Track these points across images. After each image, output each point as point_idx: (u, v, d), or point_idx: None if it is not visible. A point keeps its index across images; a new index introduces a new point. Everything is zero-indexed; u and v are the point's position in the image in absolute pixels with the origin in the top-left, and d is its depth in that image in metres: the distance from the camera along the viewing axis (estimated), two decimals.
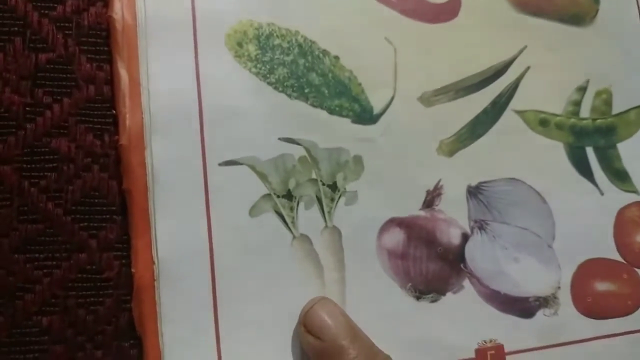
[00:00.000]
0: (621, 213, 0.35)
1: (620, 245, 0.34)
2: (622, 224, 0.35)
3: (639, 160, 0.36)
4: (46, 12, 0.29)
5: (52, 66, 0.29)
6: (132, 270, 0.28)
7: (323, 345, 0.26)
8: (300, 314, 0.28)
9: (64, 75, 0.29)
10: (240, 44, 0.30)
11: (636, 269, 0.35)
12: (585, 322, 0.33)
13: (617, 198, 0.35)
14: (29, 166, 0.28)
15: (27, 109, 0.28)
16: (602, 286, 0.34)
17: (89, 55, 0.29)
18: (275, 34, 0.31)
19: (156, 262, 0.27)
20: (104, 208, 0.28)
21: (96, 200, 0.28)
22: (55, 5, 0.29)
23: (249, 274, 0.28)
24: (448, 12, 0.34)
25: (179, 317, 0.27)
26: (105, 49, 0.30)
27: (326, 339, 0.26)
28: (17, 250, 0.27)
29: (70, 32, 0.29)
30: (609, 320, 0.33)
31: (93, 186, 0.28)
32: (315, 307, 0.27)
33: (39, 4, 0.29)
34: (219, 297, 0.28)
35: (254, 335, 0.28)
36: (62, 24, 0.29)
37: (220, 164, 0.29)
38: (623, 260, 0.34)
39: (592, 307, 0.33)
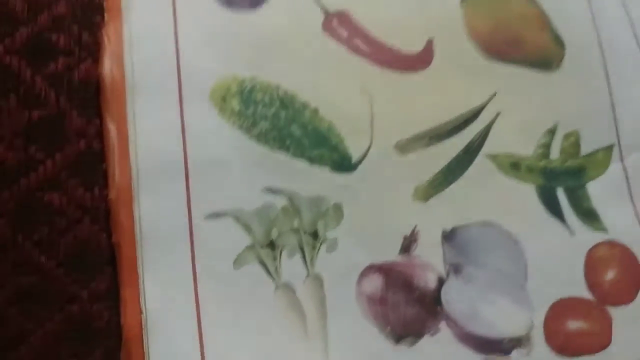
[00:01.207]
0: (591, 252, 0.36)
1: (591, 284, 0.36)
2: (593, 262, 0.36)
3: (607, 199, 0.37)
4: (39, 69, 0.31)
5: (44, 122, 0.30)
6: (121, 320, 0.29)
7: None
8: None
9: (56, 131, 0.30)
10: (224, 99, 0.32)
11: (607, 307, 0.36)
12: None
13: (587, 237, 0.36)
14: (22, 220, 0.29)
15: (20, 164, 0.29)
16: (574, 324, 0.35)
17: (79, 111, 0.31)
18: (257, 88, 0.32)
19: (144, 312, 0.28)
20: (95, 259, 0.30)
21: (87, 253, 0.30)
22: (48, 62, 0.31)
23: (234, 323, 0.30)
24: (421, 62, 0.36)
25: None
26: (96, 103, 0.31)
27: None
28: (10, 302, 0.28)
29: (61, 88, 0.31)
30: (582, 357, 0.34)
31: (84, 238, 0.30)
32: None
33: (32, 62, 0.31)
34: (206, 347, 0.29)
35: None
36: (54, 81, 0.31)
37: (205, 217, 0.30)
38: (594, 299, 0.35)
39: (565, 345, 0.34)
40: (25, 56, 0.31)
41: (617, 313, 0.36)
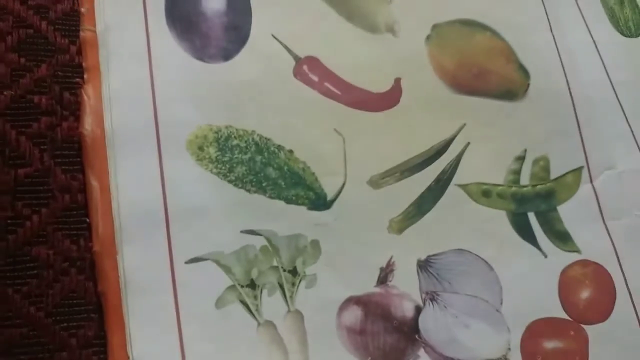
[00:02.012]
0: (565, 273, 0.37)
1: (566, 304, 0.37)
2: (566, 283, 0.37)
3: (579, 220, 0.38)
4: (23, 129, 0.32)
5: (30, 180, 0.32)
6: None
7: None
8: None
9: (41, 187, 0.32)
10: (201, 148, 0.33)
11: (582, 326, 0.36)
12: None
13: (560, 259, 0.38)
14: (11, 274, 0.30)
15: (8, 221, 0.31)
16: (550, 344, 0.36)
17: (63, 167, 0.32)
18: (233, 136, 0.34)
19: (131, 357, 0.29)
20: (82, 308, 0.31)
21: (74, 302, 0.31)
22: (31, 122, 0.32)
23: None
24: (390, 100, 0.38)
25: None
26: (78, 159, 0.32)
27: None
28: (2, 353, 0.29)
29: (45, 147, 0.32)
30: None
31: (71, 288, 0.31)
32: None
33: (16, 123, 0.32)
34: None
35: None
36: (37, 140, 0.32)
37: (186, 262, 0.31)
38: (569, 318, 0.37)
39: None
40: (10, 117, 0.32)
41: (593, 331, 0.37)
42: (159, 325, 0.30)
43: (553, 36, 0.43)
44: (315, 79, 0.36)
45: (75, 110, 0.33)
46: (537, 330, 0.36)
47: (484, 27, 0.41)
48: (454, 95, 0.38)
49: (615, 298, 0.38)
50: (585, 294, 0.37)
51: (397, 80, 0.38)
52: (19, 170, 0.32)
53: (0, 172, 0.31)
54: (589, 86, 0.42)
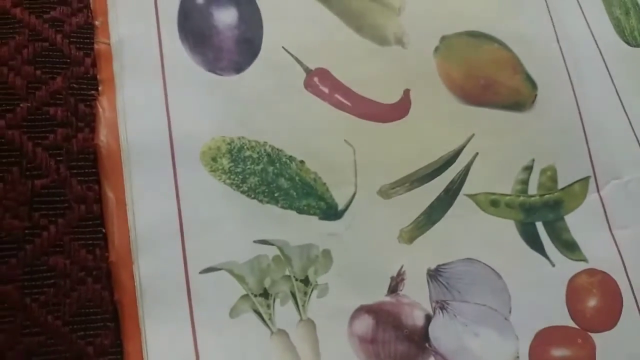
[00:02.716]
0: (572, 281, 0.38)
1: (573, 312, 0.37)
2: (574, 291, 0.37)
3: (586, 230, 0.39)
4: (39, 141, 0.33)
5: (46, 190, 0.32)
6: None
7: None
8: None
9: (58, 198, 0.32)
10: (214, 159, 0.34)
11: (590, 334, 0.37)
12: None
13: (567, 268, 0.38)
14: (29, 284, 0.31)
15: (26, 231, 0.31)
16: (558, 352, 0.36)
17: (79, 178, 0.33)
18: (245, 147, 0.34)
19: None
20: (98, 317, 0.31)
21: (91, 310, 0.31)
22: (48, 134, 0.33)
23: None
24: (399, 111, 0.38)
25: None
26: (94, 170, 0.33)
27: None
28: None
29: (61, 158, 0.33)
30: None
31: (87, 297, 0.31)
32: None
33: (33, 135, 0.33)
34: None
35: None
36: (53, 152, 0.33)
37: (200, 272, 0.32)
38: (577, 326, 0.37)
39: None
40: (26, 129, 0.33)
41: (600, 339, 0.37)
42: (174, 333, 0.31)
43: (560, 47, 0.43)
44: (326, 90, 0.37)
45: (90, 122, 0.34)
46: (545, 339, 0.36)
47: (491, 39, 0.41)
48: (463, 106, 0.39)
49: (622, 306, 0.38)
50: (592, 302, 0.37)
51: (406, 92, 0.38)
52: (35, 181, 0.32)
53: (17, 183, 0.32)
54: (595, 96, 0.42)
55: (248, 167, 0.34)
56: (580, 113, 0.41)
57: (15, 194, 0.32)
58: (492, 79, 0.40)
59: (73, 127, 0.34)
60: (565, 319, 0.37)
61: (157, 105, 0.34)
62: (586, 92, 0.42)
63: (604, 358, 0.37)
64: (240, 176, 0.34)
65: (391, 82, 0.38)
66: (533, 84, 0.41)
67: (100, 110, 0.33)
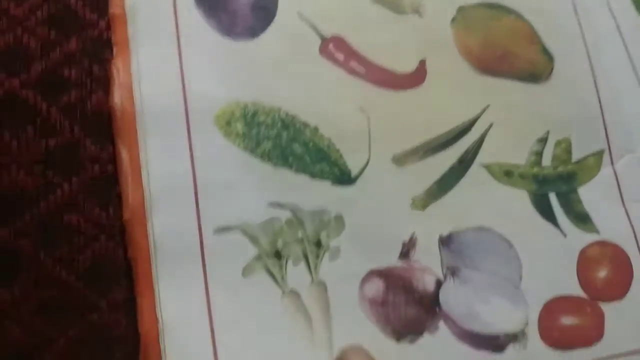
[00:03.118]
0: (583, 253, 0.38)
1: (583, 282, 0.37)
2: (585, 262, 0.37)
3: (599, 203, 0.39)
4: (53, 102, 0.33)
5: (60, 150, 0.32)
6: (139, 328, 0.31)
7: None
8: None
9: (72, 157, 0.33)
10: (228, 123, 0.34)
11: (599, 303, 0.37)
12: (552, 353, 0.35)
13: (579, 239, 0.38)
14: (43, 240, 0.31)
15: (40, 189, 0.32)
16: (567, 320, 0.36)
17: (93, 138, 0.33)
18: (260, 112, 0.34)
19: (160, 320, 0.30)
20: (112, 273, 0.32)
21: (105, 267, 0.32)
22: (62, 95, 0.33)
23: (245, 328, 0.31)
24: (415, 80, 0.38)
25: None
26: (108, 132, 0.33)
27: None
28: (35, 313, 0.30)
29: (75, 118, 0.33)
30: (575, 351, 0.36)
31: (101, 254, 0.32)
32: (347, 353, 0.31)
33: (47, 95, 0.33)
34: (218, 351, 0.31)
35: None
36: (68, 112, 0.33)
37: (214, 232, 0.32)
38: (586, 296, 0.37)
39: (559, 340, 0.36)
40: (40, 90, 0.33)
41: (609, 308, 0.37)
42: (188, 290, 0.31)
43: (577, 20, 0.42)
44: (341, 57, 0.37)
45: (104, 84, 0.34)
46: (554, 307, 0.36)
47: (508, 10, 0.41)
48: (479, 76, 0.39)
49: (632, 278, 0.38)
50: (602, 273, 0.37)
51: (422, 61, 0.38)
52: (49, 140, 0.32)
53: (31, 142, 0.32)
54: (611, 70, 0.42)
55: (262, 132, 0.34)
56: (596, 86, 0.41)
57: (29, 153, 0.32)
58: (508, 50, 0.40)
59: (87, 88, 0.34)
60: (575, 289, 0.37)
61: (172, 69, 0.34)
62: (603, 65, 0.42)
63: (612, 328, 0.37)
64: (254, 140, 0.34)
65: (407, 50, 0.38)
66: (550, 56, 0.41)
67: (115, 72, 0.33)
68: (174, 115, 0.33)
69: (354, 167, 0.35)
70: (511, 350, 0.35)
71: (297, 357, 0.32)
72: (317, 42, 0.37)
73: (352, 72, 0.37)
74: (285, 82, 0.35)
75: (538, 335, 0.35)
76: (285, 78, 0.36)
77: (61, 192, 0.32)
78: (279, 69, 0.36)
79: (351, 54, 0.37)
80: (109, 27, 0.35)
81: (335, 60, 0.37)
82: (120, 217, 0.32)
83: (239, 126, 0.34)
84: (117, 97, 0.33)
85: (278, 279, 0.32)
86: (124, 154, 0.32)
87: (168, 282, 0.31)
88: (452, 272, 0.35)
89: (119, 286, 0.31)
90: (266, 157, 0.34)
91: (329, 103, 0.36)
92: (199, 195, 0.32)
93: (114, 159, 0.33)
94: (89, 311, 0.31)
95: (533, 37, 0.41)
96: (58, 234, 0.31)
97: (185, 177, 0.32)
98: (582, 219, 0.38)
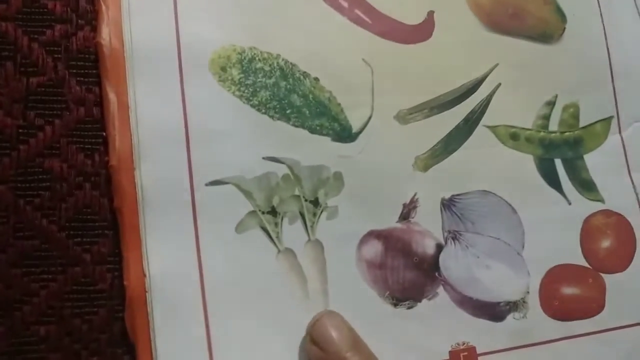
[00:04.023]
0: (587, 221, 0.37)
1: (586, 252, 0.36)
2: (588, 231, 0.37)
3: (604, 170, 0.38)
4: (35, 36, 0.31)
5: (42, 89, 0.30)
6: (125, 282, 0.29)
7: (326, 357, 0.28)
8: (308, 325, 0.30)
9: (55, 98, 0.30)
10: (223, 69, 0.32)
11: (601, 274, 0.36)
12: (552, 324, 0.34)
13: (583, 207, 0.37)
14: (23, 185, 0.29)
15: (20, 130, 0.30)
16: (568, 290, 0.35)
17: (78, 78, 0.31)
18: (257, 58, 0.32)
19: (147, 275, 0.29)
20: (96, 224, 0.30)
21: (88, 217, 0.30)
22: (44, 30, 0.31)
23: (237, 286, 0.30)
24: (422, 33, 0.36)
25: (171, 328, 0.29)
26: (94, 72, 0.31)
27: (329, 351, 0.28)
28: (14, 265, 0.29)
29: (59, 55, 0.31)
30: (575, 322, 0.35)
31: (85, 204, 0.30)
32: (322, 319, 0.29)
33: (29, 29, 0.30)
34: (209, 310, 0.29)
35: (245, 345, 0.30)
36: (51, 48, 0.31)
37: (207, 184, 0.30)
38: (589, 266, 0.36)
39: (559, 310, 0.35)
40: (22, 23, 0.31)
41: (611, 280, 0.37)
42: (177, 245, 0.30)
43: None
44: (345, 4, 0.35)
45: (91, 20, 0.32)
46: (556, 276, 0.36)
47: None
48: (488, 33, 0.37)
49: (635, 249, 0.38)
50: (606, 243, 0.37)
51: (430, 14, 0.36)
52: (31, 78, 0.30)
53: (11, 79, 0.30)
54: (625, 36, 0.40)
55: (259, 79, 0.32)
56: (608, 50, 0.39)
57: (8, 90, 0.30)
58: (521, 7, 0.38)
59: (73, 24, 0.31)
60: (577, 258, 0.37)
61: (166, 6, 0.32)
62: (616, 30, 0.40)
63: (614, 299, 0.36)
64: (250, 89, 0.32)
65: (415, 2, 0.36)
66: (562, 16, 0.39)
67: (104, 7, 0.31)
68: (165, 56, 0.31)
69: (355, 123, 0.34)
70: (511, 319, 0.34)
71: (291, 318, 0.31)
72: None
73: (356, 20, 0.35)
74: (285, 27, 0.33)
75: (539, 305, 0.35)
76: (286, 23, 0.34)
77: (43, 135, 0.30)
78: (279, 13, 0.34)
79: (356, 1, 0.35)
80: None
81: (339, 7, 0.35)
82: (106, 164, 0.30)
83: (235, 73, 0.32)
84: (105, 34, 0.31)
85: (273, 237, 0.31)
86: (111, 96, 0.30)
87: (156, 235, 0.29)
88: (454, 236, 0.34)
89: (103, 238, 0.30)
90: (263, 107, 0.32)
91: (331, 53, 0.34)
92: (190, 144, 0.30)
93: (100, 102, 0.31)
94: (72, 264, 0.29)
95: None
96: (39, 181, 0.29)
97: (176, 123, 0.30)
98: (587, 187, 0.37)
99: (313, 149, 0.32)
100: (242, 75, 0.32)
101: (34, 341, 0.29)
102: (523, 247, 0.35)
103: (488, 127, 0.36)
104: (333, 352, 0.28)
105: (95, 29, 0.31)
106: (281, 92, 0.32)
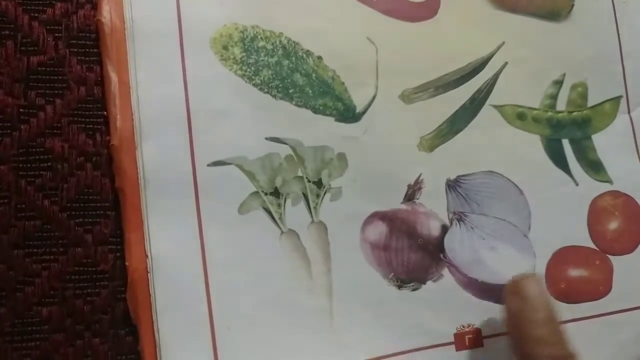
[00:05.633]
0: (595, 202, 0.37)
1: (594, 233, 0.36)
2: (596, 212, 0.36)
3: (612, 151, 0.37)
4: (36, 15, 0.30)
5: (43, 68, 0.30)
6: (126, 263, 0.29)
7: (525, 308, 0.28)
8: (512, 277, 0.30)
9: (56, 77, 0.30)
10: (225, 47, 0.31)
11: (608, 256, 0.36)
12: (559, 306, 0.34)
13: (591, 188, 0.37)
14: (24, 165, 0.29)
15: (21, 110, 0.29)
16: (575, 272, 0.35)
17: (79, 57, 0.30)
18: (259, 37, 0.32)
19: (149, 256, 0.29)
20: (98, 204, 0.30)
21: (90, 197, 0.30)
22: (45, 8, 0.30)
23: (240, 267, 0.30)
24: (427, 11, 0.35)
25: (173, 308, 0.29)
26: (95, 50, 0.31)
27: (527, 306, 0.29)
28: (16, 245, 0.28)
29: (60, 34, 0.30)
30: (582, 304, 0.35)
31: (87, 184, 0.30)
32: (532, 277, 0.30)
33: (29, 8, 0.30)
34: (212, 291, 0.29)
35: (248, 325, 0.29)
36: (52, 27, 0.30)
37: (209, 165, 0.30)
38: (596, 248, 0.36)
39: (566, 292, 0.35)
40: (21, 1, 0.30)
41: (618, 262, 0.36)
42: (180, 225, 0.29)
43: None
44: None
45: None
46: (563, 258, 0.35)
47: None
48: (495, 11, 0.36)
49: None
50: (613, 224, 0.37)
51: None
52: (31, 57, 0.30)
53: (11, 58, 0.29)
54: (635, 15, 0.39)
55: (261, 58, 0.31)
56: (617, 29, 0.39)
57: (9, 70, 0.29)
58: None
59: (73, 2, 0.31)
60: (584, 240, 0.36)
61: None
62: (626, 9, 0.39)
63: (621, 281, 0.36)
64: (252, 68, 0.31)
65: None
66: None
67: None
68: (167, 35, 0.31)
69: (359, 103, 0.33)
70: None
71: (294, 300, 0.31)
72: None
73: None
74: (288, 5, 0.33)
75: (545, 287, 0.34)
76: (288, 1, 0.33)
77: (44, 115, 0.29)
78: None
79: None
80: None
81: None
82: (107, 143, 0.30)
83: (237, 51, 0.31)
84: (106, 11, 0.30)
85: (276, 218, 0.31)
86: (112, 75, 0.30)
87: (158, 215, 0.29)
88: (459, 217, 0.33)
89: (105, 219, 0.30)
90: (265, 87, 0.31)
91: (335, 31, 0.33)
92: (192, 124, 0.30)
93: (101, 81, 0.30)
94: (74, 245, 0.29)
95: None
96: (40, 161, 0.29)
97: (177, 103, 0.30)
98: (595, 168, 0.36)
99: (316, 129, 0.32)
100: (244, 54, 0.31)
101: (36, 322, 0.29)
102: (529, 228, 0.35)
103: (494, 106, 0.35)
104: (530, 308, 0.29)
105: (96, 7, 0.31)
106: (284, 71, 0.32)
